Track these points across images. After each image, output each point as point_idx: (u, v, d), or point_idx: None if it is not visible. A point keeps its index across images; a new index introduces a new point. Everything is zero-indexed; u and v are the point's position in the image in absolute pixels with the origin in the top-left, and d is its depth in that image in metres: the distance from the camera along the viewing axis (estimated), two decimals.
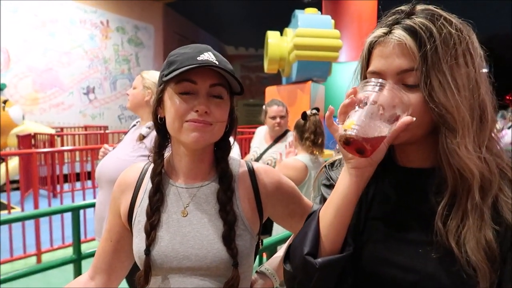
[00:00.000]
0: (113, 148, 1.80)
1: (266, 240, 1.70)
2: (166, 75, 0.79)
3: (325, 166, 0.80)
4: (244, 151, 5.10)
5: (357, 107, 0.58)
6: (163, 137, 0.87)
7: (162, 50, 11.62)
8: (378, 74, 0.62)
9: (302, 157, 2.22)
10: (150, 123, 1.65)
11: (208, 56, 0.78)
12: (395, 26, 0.61)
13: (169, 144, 0.88)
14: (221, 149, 0.87)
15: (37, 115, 8.59)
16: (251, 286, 0.91)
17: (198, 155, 0.84)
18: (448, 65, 0.57)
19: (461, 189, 0.58)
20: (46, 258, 3.51)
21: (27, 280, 2.40)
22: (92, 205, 2.32)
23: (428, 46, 0.57)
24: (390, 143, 0.59)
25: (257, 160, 2.75)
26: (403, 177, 0.67)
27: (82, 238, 3.19)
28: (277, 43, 4.49)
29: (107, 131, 8.34)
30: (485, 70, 0.61)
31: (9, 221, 2.43)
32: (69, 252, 2.69)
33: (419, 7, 0.62)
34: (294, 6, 5.18)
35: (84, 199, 4.79)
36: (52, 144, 6.55)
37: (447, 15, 0.61)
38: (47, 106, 8.88)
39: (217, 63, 0.77)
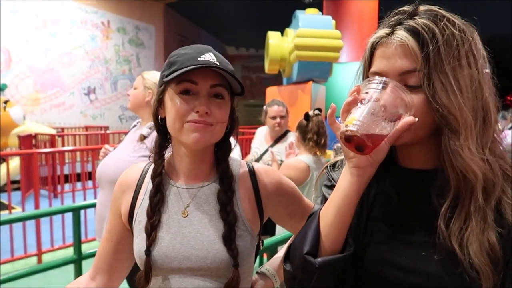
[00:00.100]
0: (114, 149, 1.80)
1: (267, 241, 1.70)
2: (167, 76, 0.79)
3: (326, 167, 0.79)
4: (245, 152, 5.11)
5: (359, 104, 0.58)
6: (163, 138, 0.87)
7: (163, 50, 11.63)
8: (380, 75, 0.62)
9: (304, 158, 2.22)
10: (151, 123, 1.65)
11: (209, 56, 0.78)
12: (398, 27, 0.61)
13: (170, 145, 0.88)
14: (222, 149, 0.87)
15: (38, 115, 8.61)
16: (251, 287, 0.91)
17: (198, 156, 0.84)
18: (450, 66, 0.57)
19: (464, 190, 0.58)
20: (47, 258, 3.51)
21: (28, 280, 2.41)
22: (93, 206, 2.32)
23: (431, 47, 0.57)
24: (392, 143, 0.58)
25: (257, 160, 2.75)
26: (405, 178, 0.67)
27: (83, 238, 3.21)
28: (278, 43, 4.49)
29: (108, 132, 8.35)
30: (487, 71, 0.61)
31: (10, 221, 2.44)
32: (69, 252, 2.69)
33: (422, 7, 0.62)
34: (295, 6, 5.18)
35: (84, 199, 4.80)
36: (53, 145, 6.56)
37: (450, 16, 0.60)
38: (48, 107, 8.90)
39: (217, 63, 0.77)
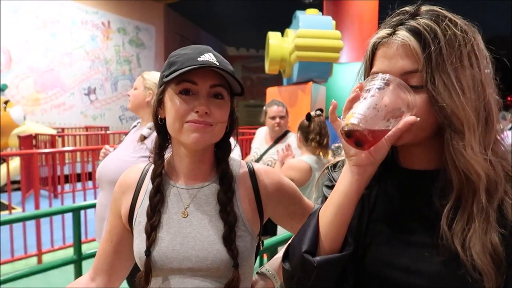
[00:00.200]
0: (114, 149, 1.80)
1: (267, 241, 1.70)
2: (167, 76, 0.79)
3: (327, 167, 0.79)
4: (245, 152, 5.11)
5: (361, 99, 0.57)
6: (163, 138, 0.86)
7: (163, 51, 11.64)
8: None
9: (306, 158, 2.22)
10: (151, 124, 1.65)
11: (209, 57, 0.78)
12: (399, 27, 0.61)
13: (170, 145, 0.87)
14: (222, 149, 0.87)
15: (38, 115, 8.61)
16: (251, 287, 0.91)
17: (198, 156, 0.84)
18: (452, 67, 0.57)
19: (466, 191, 0.58)
20: (47, 258, 3.51)
21: (28, 281, 2.40)
22: (93, 206, 2.32)
23: (433, 48, 0.57)
24: (393, 142, 0.58)
25: (257, 161, 2.75)
26: (406, 179, 0.67)
27: (83, 238, 3.20)
28: (278, 44, 4.49)
29: (108, 132, 8.37)
30: (489, 71, 0.61)
31: (10, 222, 2.44)
32: (69, 252, 2.69)
33: (424, 8, 0.62)
34: (295, 7, 5.18)
35: (85, 199, 4.81)
36: (53, 145, 6.57)
37: (452, 16, 0.60)
38: (48, 107, 8.90)
39: (217, 63, 0.77)
